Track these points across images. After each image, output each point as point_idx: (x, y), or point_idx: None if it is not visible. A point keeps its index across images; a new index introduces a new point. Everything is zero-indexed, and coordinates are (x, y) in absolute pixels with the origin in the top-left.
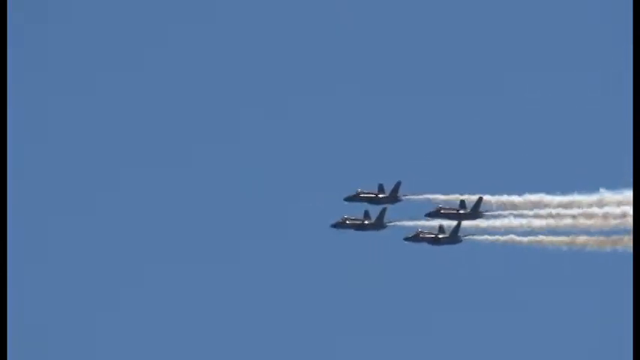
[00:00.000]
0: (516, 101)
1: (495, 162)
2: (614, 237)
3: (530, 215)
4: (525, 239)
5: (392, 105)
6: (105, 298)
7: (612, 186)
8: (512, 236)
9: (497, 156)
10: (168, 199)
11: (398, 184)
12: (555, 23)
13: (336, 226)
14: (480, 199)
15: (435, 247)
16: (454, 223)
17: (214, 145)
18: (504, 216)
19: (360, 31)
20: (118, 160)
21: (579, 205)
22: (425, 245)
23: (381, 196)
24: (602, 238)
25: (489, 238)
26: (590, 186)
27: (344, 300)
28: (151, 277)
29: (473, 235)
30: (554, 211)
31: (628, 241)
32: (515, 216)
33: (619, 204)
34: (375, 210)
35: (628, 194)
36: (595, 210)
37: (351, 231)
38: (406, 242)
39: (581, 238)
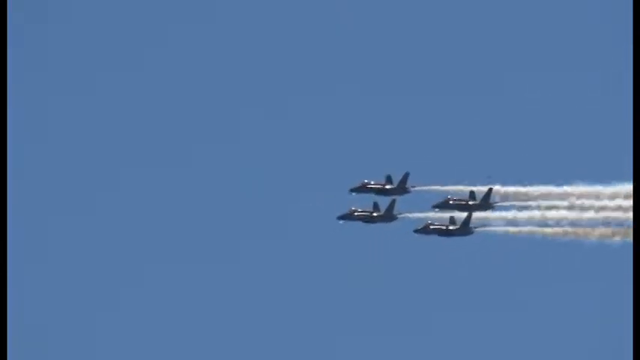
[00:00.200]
0: (516, 101)
1: (495, 161)
2: (622, 229)
3: (542, 207)
4: (541, 230)
5: (392, 105)
6: (105, 298)
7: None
8: (530, 227)
9: (496, 156)
10: (168, 199)
11: (406, 175)
12: (555, 23)
13: (343, 218)
14: (490, 189)
15: (446, 239)
16: (464, 214)
17: (214, 145)
18: (516, 207)
19: (360, 31)
20: (118, 160)
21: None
22: (435, 237)
23: (388, 187)
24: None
25: (501, 229)
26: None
27: (352, 295)
28: (151, 277)
29: (485, 226)
30: (572, 202)
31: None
32: (526, 208)
33: (621, 197)
34: (382, 202)
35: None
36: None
37: (360, 223)
38: (416, 234)
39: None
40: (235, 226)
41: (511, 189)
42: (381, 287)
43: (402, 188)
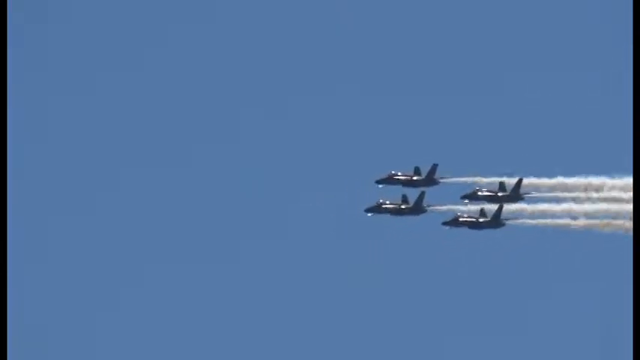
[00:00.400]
0: (516, 101)
1: (495, 161)
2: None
3: (571, 199)
4: (574, 222)
5: (392, 105)
6: (105, 298)
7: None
8: (567, 220)
9: (496, 156)
10: (168, 199)
11: (434, 167)
12: (555, 23)
13: (370, 210)
14: (520, 180)
15: (476, 232)
16: (492, 205)
17: (214, 145)
18: (547, 199)
19: (360, 31)
20: (118, 160)
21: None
22: (465, 230)
23: (415, 178)
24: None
25: (533, 222)
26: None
27: (379, 290)
28: (151, 277)
29: (517, 218)
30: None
31: None
32: (556, 200)
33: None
34: (410, 194)
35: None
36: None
37: (388, 216)
38: (445, 227)
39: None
40: (235, 226)
41: (540, 181)
42: (410, 282)
43: (429, 179)
